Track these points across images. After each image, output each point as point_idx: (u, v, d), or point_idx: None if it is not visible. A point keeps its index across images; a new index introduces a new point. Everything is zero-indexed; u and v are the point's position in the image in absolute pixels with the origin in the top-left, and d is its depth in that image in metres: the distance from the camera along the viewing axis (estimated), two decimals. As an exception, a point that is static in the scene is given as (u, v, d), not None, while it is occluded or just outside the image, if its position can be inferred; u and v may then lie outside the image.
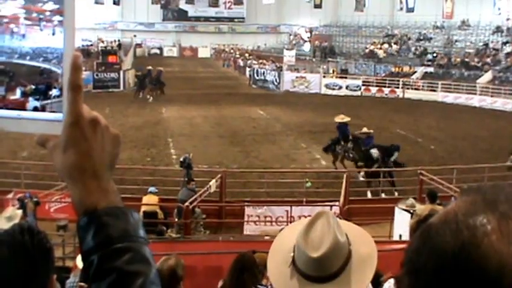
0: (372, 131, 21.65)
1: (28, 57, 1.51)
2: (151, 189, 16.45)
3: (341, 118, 22.12)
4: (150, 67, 42.84)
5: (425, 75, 46.85)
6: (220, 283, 6.47)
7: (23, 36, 1.48)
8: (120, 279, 1.28)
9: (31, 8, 1.45)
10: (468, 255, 0.96)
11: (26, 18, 1.45)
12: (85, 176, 1.31)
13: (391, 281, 6.04)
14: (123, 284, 1.28)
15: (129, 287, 1.28)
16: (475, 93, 41.95)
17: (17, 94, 1.43)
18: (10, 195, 16.39)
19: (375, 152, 19.62)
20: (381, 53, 53.78)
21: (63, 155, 1.30)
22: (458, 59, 47.62)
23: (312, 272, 2.32)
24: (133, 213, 1.38)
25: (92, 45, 55.59)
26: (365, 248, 2.45)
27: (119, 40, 58.73)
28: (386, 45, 54.59)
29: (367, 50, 54.47)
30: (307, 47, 59.52)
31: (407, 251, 1.08)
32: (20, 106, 1.39)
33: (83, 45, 56.30)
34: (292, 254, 2.39)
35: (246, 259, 6.43)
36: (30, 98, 1.39)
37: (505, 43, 48.34)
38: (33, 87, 1.41)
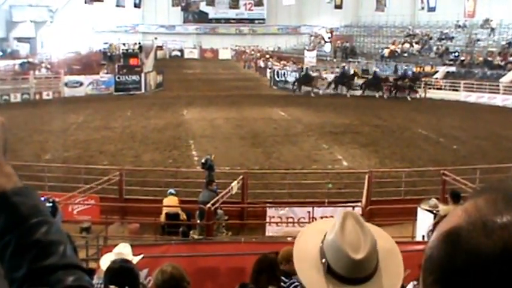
0: None
1: None
2: (171, 190, 16.53)
3: None
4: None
5: (447, 75, 46.51)
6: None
7: None
8: (43, 250, 1.34)
9: None
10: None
11: None
12: None
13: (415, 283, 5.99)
14: (47, 254, 1.34)
15: (52, 255, 1.34)
16: (498, 93, 41.57)
17: None
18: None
19: None
20: (386, 52, 53.64)
21: None
22: (481, 58, 47.21)
23: (352, 275, 2.26)
24: (35, 191, 1.44)
25: (108, 48, 55.88)
26: (385, 242, 2.42)
27: (139, 43, 59.03)
28: (407, 45, 54.35)
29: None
30: (328, 48, 59.40)
31: (431, 258, 1.04)
32: None
33: (104, 48, 56.79)
34: (324, 260, 2.29)
35: (266, 260, 6.44)
36: None
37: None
38: None
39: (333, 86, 45.00)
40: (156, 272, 5.80)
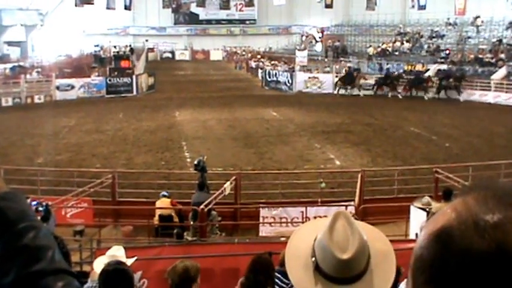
0: None
1: None
2: (164, 193, 16.51)
3: None
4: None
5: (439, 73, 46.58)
6: (239, 283, 6.50)
7: None
8: (31, 255, 1.32)
9: None
10: (507, 254, 0.94)
11: None
12: None
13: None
14: (35, 259, 1.32)
15: (41, 261, 1.32)
16: (490, 90, 41.68)
17: None
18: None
19: None
20: (371, 51, 53.82)
21: None
22: (472, 56, 47.33)
23: (339, 274, 2.25)
24: (22, 195, 1.43)
25: (99, 51, 55.72)
26: (381, 244, 2.41)
27: (130, 45, 58.91)
28: (398, 43, 54.45)
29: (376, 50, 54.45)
30: (319, 47, 59.42)
31: (422, 258, 1.04)
32: None
33: (95, 51, 56.64)
34: (313, 259, 2.30)
35: (261, 261, 6.45)
36: None
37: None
38: None
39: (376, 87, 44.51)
40: (175, 263, 5.94)
